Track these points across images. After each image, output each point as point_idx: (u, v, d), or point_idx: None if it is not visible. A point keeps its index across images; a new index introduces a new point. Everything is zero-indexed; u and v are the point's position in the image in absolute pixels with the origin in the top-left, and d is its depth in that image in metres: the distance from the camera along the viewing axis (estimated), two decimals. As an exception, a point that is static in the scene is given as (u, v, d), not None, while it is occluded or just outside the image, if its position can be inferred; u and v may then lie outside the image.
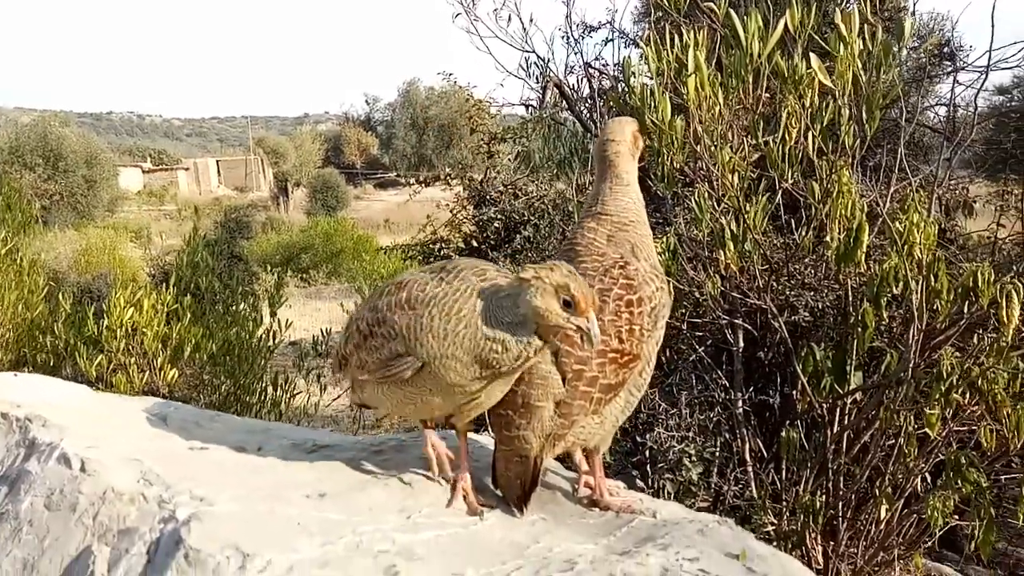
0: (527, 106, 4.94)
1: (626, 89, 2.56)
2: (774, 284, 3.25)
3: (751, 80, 2.44)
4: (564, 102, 4.67)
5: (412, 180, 4.36)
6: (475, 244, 3.93)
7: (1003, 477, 3.21)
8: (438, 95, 37.28)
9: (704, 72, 2.38)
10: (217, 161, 46.12)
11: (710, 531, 1.45)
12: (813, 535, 3.35)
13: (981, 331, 3.18)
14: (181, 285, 4.91)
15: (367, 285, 13.85)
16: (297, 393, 5.80)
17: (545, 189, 3.77)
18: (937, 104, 6.15)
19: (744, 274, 3.08)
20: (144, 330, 4.26)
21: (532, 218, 3.71)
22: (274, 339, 5.72)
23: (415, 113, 38.00)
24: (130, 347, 4.26)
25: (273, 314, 5.72)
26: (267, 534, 1.33)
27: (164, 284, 4.85)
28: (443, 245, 4.15)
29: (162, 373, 4.41)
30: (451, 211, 4.10)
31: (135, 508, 1.43)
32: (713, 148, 3.02)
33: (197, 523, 1.37)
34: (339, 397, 6.18)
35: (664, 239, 3.40)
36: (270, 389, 5.62)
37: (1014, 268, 3.05)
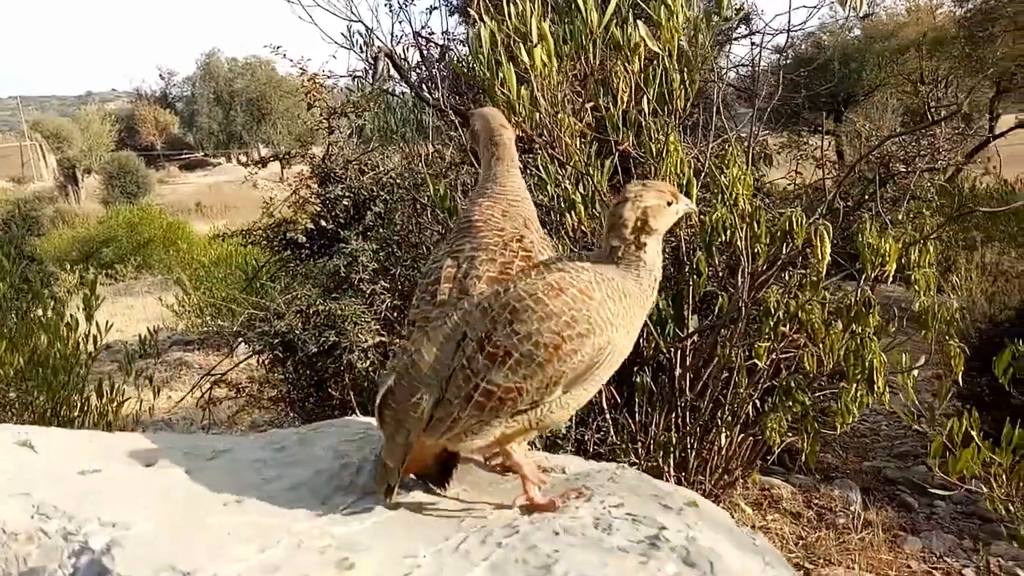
0: (354, 77, 4.81)
1: (471, 59, 2.58)
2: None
3: (591, 48, 2.54)
4: (396, 73, 4.60)
5: (249, 161, 4.10)
6: (324, 224, 3.81)
7: (818, 395, 3.65)
8: (242, 67, 35.04)
9: (550, 41, 2.45)
10: (-16, 150, 40.58)
11: (619, 477, 1.55)
12: (668, 468, 3.64)
13: (792, 269, 3.59)
14: (-34, 296, 4.33)
15: (186, 276, 12.94)
16: (126, 400, 5.36)
17: (391, 163, 3.71)
18: (738, 65, 6.73)
19: (594, 235, 3.24)
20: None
21: (382, 193, 3.65)
22: (95, 344, 5.23)
23: (218, 87, 35.47)
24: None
25: (89, 317, 5.23)
26: (200, 548, 1.24)
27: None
28: (289, 227, 3.97)
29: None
30: (294, 190, 3.92)
31: (35, 547, 1.27)
32: (556, 115, 3.13)
33: (119, 549, 1.26)
34: (184, 398, 5.77)
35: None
36: (94, 399, 5.16)
37: (818, 211, 3.44)
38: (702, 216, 3.39)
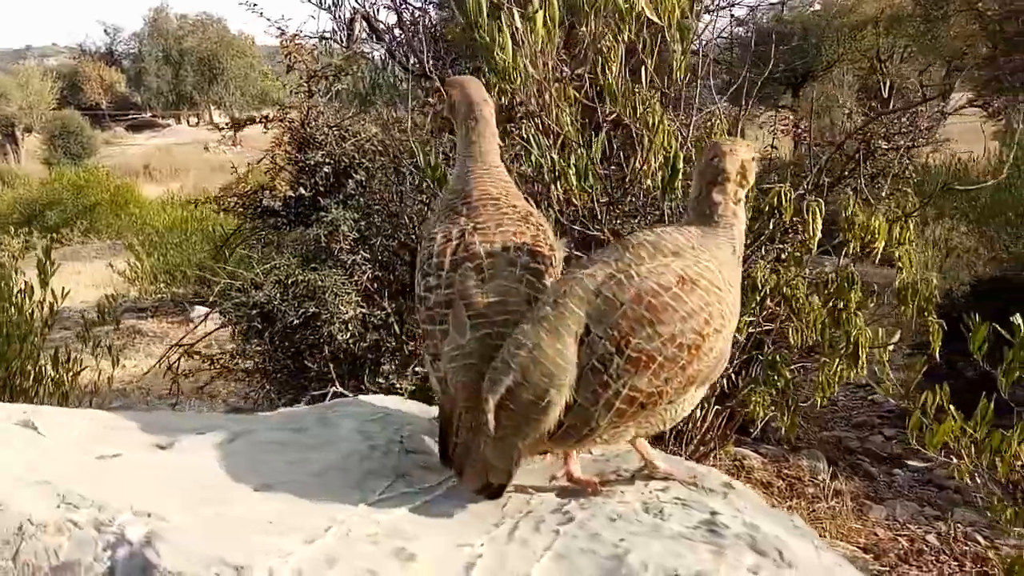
0: (323, 38, 4.63)
1: (469, 23, 2.49)
2: (605, 214, 3.42)
3: (592, 16, 2.49)
4: (374, 36, 4.45)
5: (224, 124, 3.94)
6: (304, 192, 3.67)
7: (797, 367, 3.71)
8: (192, 24, 33.71)
9: (556, 7, 2.39)
10: (-87, 105, 38.41)
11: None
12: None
13: (771, 244, 3.61)
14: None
15: (138, 242, 12.50)
16: (83, 369, 5.18)
17: (372, 130, 3.60)
18: (718, 37, 6.71)
19: (584, 206, 3.20)
20: None
21: (364, 161, 3.54)
22: (52, 312, 5.03)
23: (167, 45, 34.05)
24: None
25: (45, 283, 5.02)
26: (246, 541, 1.17)
27: None
28: (266, 194, 3.83)
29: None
30: (271, 157, 3.77)
31: (65, 539, 1.20)
32: (550, 82, 3.07)
33: (162, 543, 1.18)
34: (151, 369, 5.57)
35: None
36: (49, 368, 4.97)
37: (803, 186, 3.46)
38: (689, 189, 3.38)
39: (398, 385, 3.28)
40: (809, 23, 20.83)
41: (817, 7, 21.72)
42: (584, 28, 3.08)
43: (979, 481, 3.24)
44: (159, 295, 11.97)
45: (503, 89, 3.32)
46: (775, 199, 3.18)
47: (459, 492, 1.45)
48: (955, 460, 3.25)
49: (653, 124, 3.38)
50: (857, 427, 6.54)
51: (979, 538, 4.02)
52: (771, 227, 3.25)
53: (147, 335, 10.63)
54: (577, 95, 2.88)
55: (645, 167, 3.50)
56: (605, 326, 1.44)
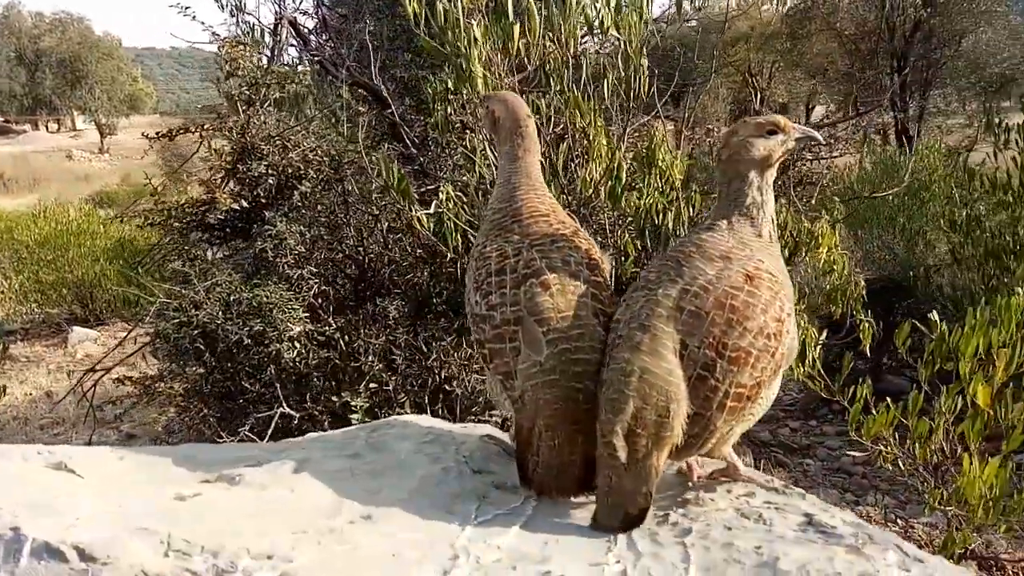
0: (245, 44, 4.42)
1: (437, 34, 2.46)
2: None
3: (572, 29, 2.52)
4: (301, 42, 4.29)
5: (155, 132, 3.66)
6: (245, 204, 3.47)
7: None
8: (49, 23, 31.24)
9: (537, 20, 2.40)
10: None
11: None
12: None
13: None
14: None
15: (4, 257, 11.43)
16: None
17: (315, 141, 3.46)
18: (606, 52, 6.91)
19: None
20: None
21: (310, 171, 3.40)
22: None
23: (20, 45, 31.37)
24: None
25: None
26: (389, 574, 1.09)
27: None
28: (207, 207, 3.58)
29: None
30: (209, 167, 3.54)
31: None
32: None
33: None
34: (66, 395, 5.08)
35: (444, 188, 3.39)
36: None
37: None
38: (637, 199, 3.48)
39: (353, 403, 3.18)
40: (686, 39, 21.90)
41: (693, 23, 22.87)
42: (529, 41, 3.12)
43: (902, 466, 3.49)
44: (30, 316, 11.03)
45: (455, 98, 3.31)
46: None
47: (550, 511, 1.43)
48: (882, 448, 3.50)
49: (594, 135, 3.47)
50: (765, 421, 6.90)
51: (896, 519, 4.34)
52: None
53: (19, 360, 9.77)
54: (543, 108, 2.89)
55: (588, 176, 3.58)
56: (699, 337, 1.51)
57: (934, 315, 3.33)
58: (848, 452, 5.40)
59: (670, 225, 3.48)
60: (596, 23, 2.64)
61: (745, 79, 20.81)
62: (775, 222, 1.72)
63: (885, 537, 1.28)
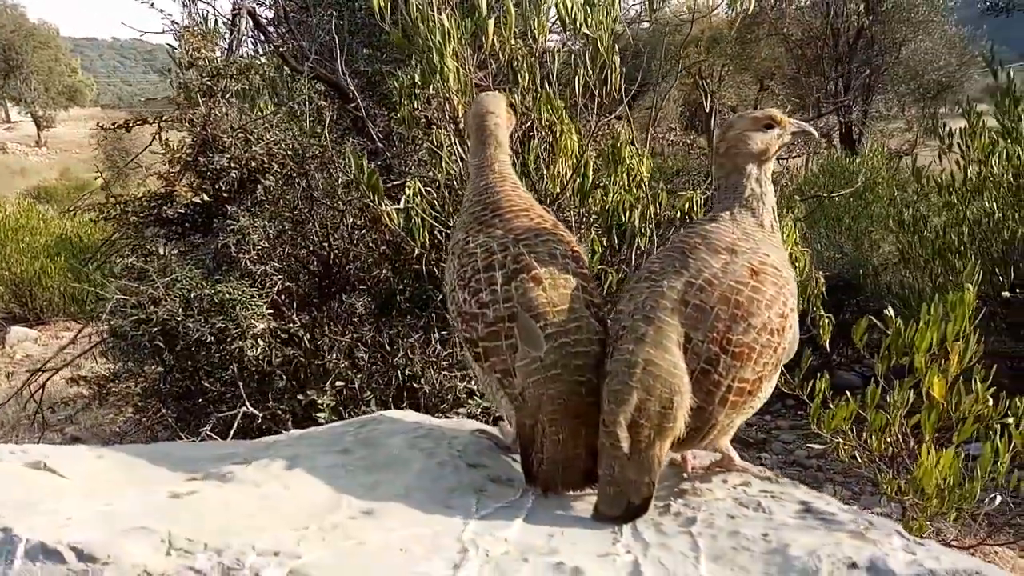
0: (204, 35, 4.30)
1: (409, 27, 2.44)
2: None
3: (543, 25, 2.52)
4: (261, 33, 4.18)
5: (111, 124, 3.49)
6: (207, 197, 3.37)
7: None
8: (-19, 11, 29.90)
9: (512, 16, 2.39)
10: None
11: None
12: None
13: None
14: None
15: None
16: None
17: (280, 134, 3.38)
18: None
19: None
20: None
21: (274, 165, 3.32)
22: None
23: (-52, 32, 29.94)
24: None
25: None
26: (398, 573, 1.06)
27: None
28: (165, 201, 3.45)
29: None
30: (167, 160, 3.42)
31: None
32: (469, 89, 3.06)
33: None
34: (10, 400, 4.84)
35: (411, 184, 3.36)
36: None
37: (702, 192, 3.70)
38: (603, 196, 3.51)
39: (319, 401, 3.13)
40: (639, 39, 22.19)
41: (646, 25, 23.17)
42: (503, 37, 3.11)
43: (859, 458, 3.59)
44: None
45: (422, 93, 3.29)
46: (686, 205, 3.39)
47: (550, 503, 1.43)
48: (840, 441, 3.58)
49: (560, 132, 3.49)
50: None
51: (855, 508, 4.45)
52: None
53: (-56, 362, 9.33)
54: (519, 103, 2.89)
55: (555, 173, 3.59)
56: (703, 331, 1.53)
57: (889, 311, 3.42)
58: (807, 445, 5.53)
59: (636, 223, 3.52)
60: (568, 19, 2.64)
61: (695, 82, 21.15)
62: (776, 212, 1.74)
63: (883, 523, 1.32)
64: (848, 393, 3.25)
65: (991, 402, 2.98)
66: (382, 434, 1.67)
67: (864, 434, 3.47)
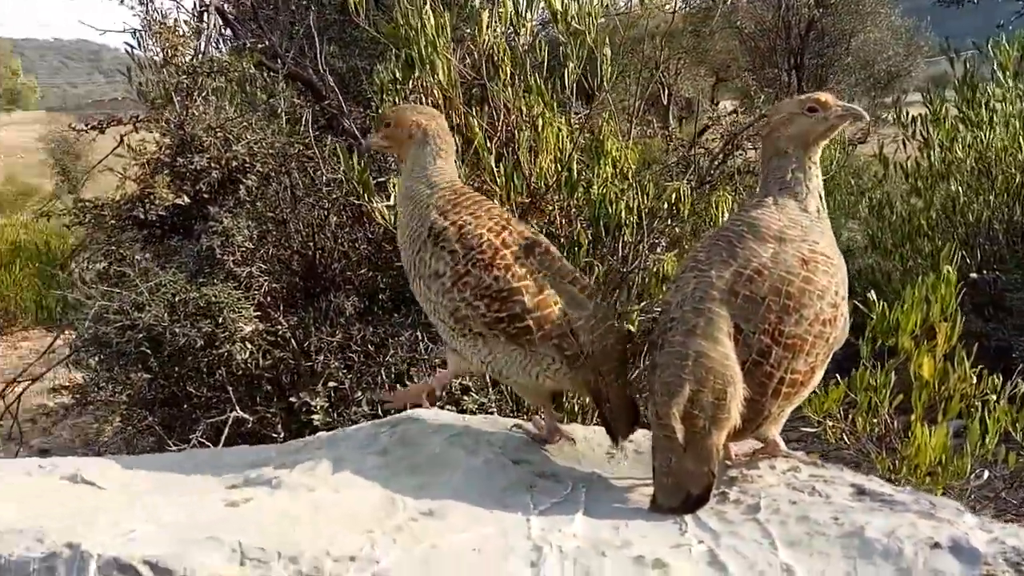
0: (136, 31, 4.08)
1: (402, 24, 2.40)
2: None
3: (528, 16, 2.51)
4: (229, 29, 4.06)
5: (84, 124, 3.35)
6: (187, 199, 3.25)
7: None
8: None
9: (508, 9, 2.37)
10: None
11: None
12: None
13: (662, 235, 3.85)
14: None
15: None
16: None
17: (262, 133, 3.30)
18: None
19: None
20: None
21: (256, 164, 3.24)
22: None
23: None
24: None
25: None
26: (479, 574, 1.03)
27: None
28: (146, 203, 3.33)
29: None
30: (143, 161, 3.30)
31: None
32: (456, 87, 3.03)
33: None
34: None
35: (396, 180, 3.32)
36: None
37: (693, 182, 3.73)
38: (588, 189, 3.51)
39: (312, 403, 3.07)
40: (597, 36, 22.31)
41: (602, 20, 23.29)
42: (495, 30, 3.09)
43: (848, 440, 3.65)
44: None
45: (402, 88, 3.25)
46: (672, 195, 3.41)
47: (603, 496, 1.42)
48: (829, 422, 3.64)
49: (543, 126, 3.48)
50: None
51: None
52: (669, 222, 3.46)
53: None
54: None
55: (538, 167, 3.58)
56: (755, 323, 1.52)
57: (872, 295, 3.49)
58: (800, 428, 5.62)
59: (623, 214, 3.52)
60: (560, 11, 2.63)
61: (652, 74, 21.29)
62: (823, 197, 1.73)
63: (945, 502, 1.34)
64: (838, 376, 3.30)
65: (975, 380, 3.06)
66: (418, 434, 1.65)
67: (851, 415, 3.54)
